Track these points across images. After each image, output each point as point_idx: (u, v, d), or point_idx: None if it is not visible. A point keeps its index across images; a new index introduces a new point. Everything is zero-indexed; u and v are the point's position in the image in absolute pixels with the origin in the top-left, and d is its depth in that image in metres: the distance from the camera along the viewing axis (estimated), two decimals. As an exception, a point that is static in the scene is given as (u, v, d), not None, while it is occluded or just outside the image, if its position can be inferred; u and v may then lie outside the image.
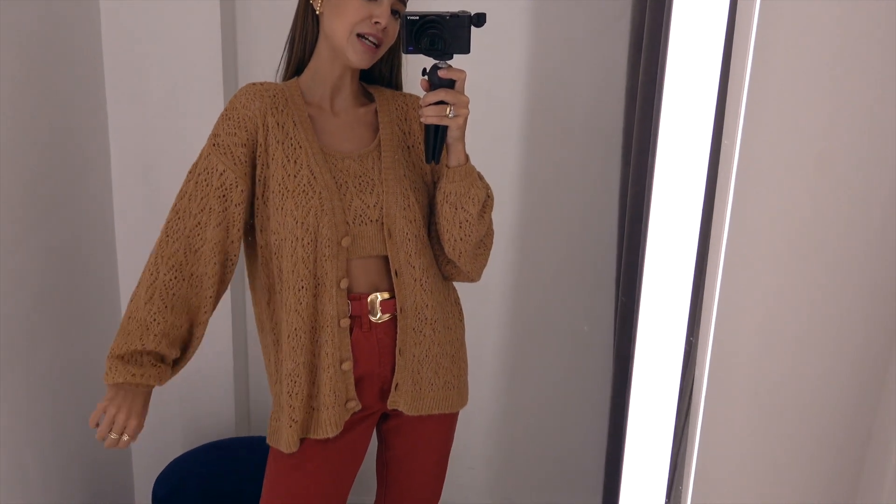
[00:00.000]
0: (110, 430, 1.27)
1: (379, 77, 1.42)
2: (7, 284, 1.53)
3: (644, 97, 1.76)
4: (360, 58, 1.27)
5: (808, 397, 0.80)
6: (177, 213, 1.29)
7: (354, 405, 1.33)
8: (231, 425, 2.10)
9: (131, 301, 1.29)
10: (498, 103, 2.02)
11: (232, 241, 1.30)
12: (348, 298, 1.31)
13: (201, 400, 2.08)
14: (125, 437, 1.27)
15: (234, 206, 1.28)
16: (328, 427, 1.31)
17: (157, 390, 2.05)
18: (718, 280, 0.71)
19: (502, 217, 2.04)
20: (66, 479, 1.78)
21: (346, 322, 1.31)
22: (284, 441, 1.32)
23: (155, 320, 1.26)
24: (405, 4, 1.31)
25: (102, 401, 1.28)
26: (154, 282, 1.27)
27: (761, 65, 0.72)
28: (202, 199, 1.27)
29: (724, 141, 0.72)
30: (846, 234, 0.78)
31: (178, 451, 2.05)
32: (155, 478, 1.89)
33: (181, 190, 1.30)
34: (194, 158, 1.30)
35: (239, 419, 2.12)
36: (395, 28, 1.29)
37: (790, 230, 0.77)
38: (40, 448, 1.67)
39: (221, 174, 1.26)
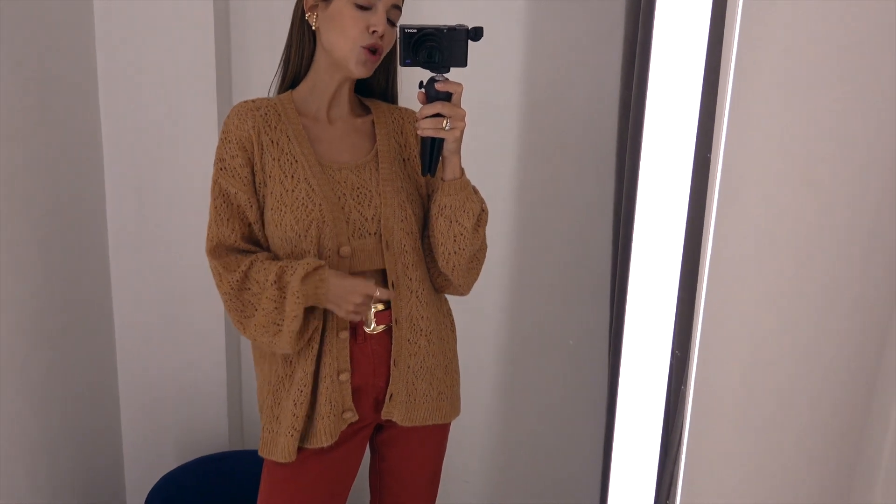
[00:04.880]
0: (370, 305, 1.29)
1: (375, 87, 1.42)
2: (2, 296, 1.53)
3: (637, 110, 1.77)
4: (363, 69, 1.29)
5: (796, 409, 0.80)
6: (214, 238, 1.32)
7: (351, 416, 1.34)
8: (224, 439, 2.09)
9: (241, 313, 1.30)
10: (493, 115, 2.02)
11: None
12: None
13: (194, 413, 2.07)
14: (377, 295, 1.28)
15: (254, 223, 1.32)
16: (323, 436, 1.31)
17: (150, 404, 2.05)
18: (703, 292, 0.71)
19: (497, 229, 2.04)
20: (57, 492, 1.77)
21: (344, 334, 1.32)
22: (280, 450, 1.32)
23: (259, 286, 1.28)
24: (400, 10, 1.31)
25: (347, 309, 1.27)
26: (240, 284, 1.29)
27: (744, 74, 0.72)
28: (228, 219, 1.31)
29: (709, 151, 0.72)
30: (832, 240, 0.78)
31: (170, 465, 2.03)
32: (147, 491, 1.88)
33: (209, 218, 1.33)
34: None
35: (232, 433, 2.11)
36: (391, 35, 1.29)
37: (775, 239, 0.77)
38: (31, 460, 1.67)
39: (235, 195, 1.30)
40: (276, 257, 1.32)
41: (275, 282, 1.24)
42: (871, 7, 0.72)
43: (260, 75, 1.96)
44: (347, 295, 1.25)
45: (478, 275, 1.41)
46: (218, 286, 1.31)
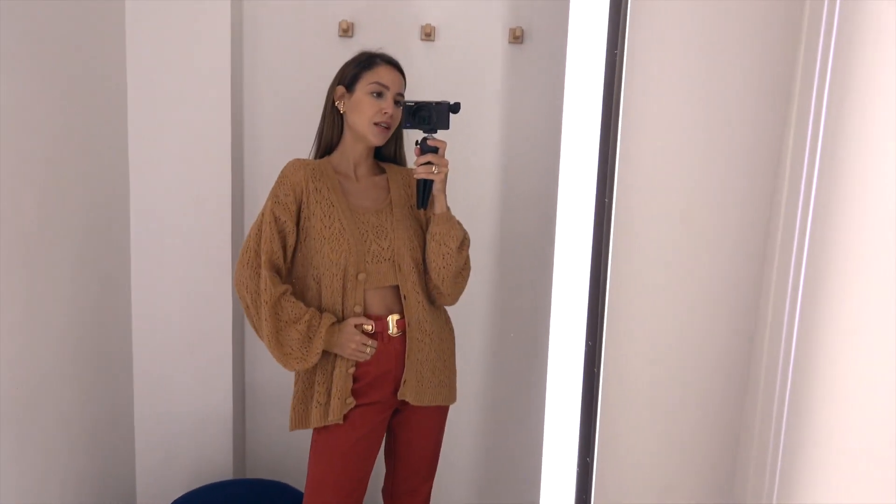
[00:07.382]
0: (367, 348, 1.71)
1: (388, 154, 1.91)
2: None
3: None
4: (377, 139, 1.77)
5: (686, 392, 1.02)
6: (249, 252, 1.72)
7: (351, 402, 1.73)
8: (229, 468, 2.28)
9: (272, 334, 1.69)
10: (475, 171, 2.30)
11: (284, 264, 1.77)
12: (368, 318, 1.74)
13: (201, 444, 2.26)
14: (367, 328, 1.73)
15: (288, 248, 1.74)
16: (336, 414, 1.70)
17: (160, 436, 2.24)
18: (608, 294, 0.94)
19: (481, 247, 2.29)
20: (77, 511, 1.94)
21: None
22: (314, 419, 1.73)
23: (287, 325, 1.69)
24: (403, 96, 1.81)
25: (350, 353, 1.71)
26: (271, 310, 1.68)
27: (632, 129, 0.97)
28: (268, 240, 1.70)
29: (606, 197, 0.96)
30: (712, 251, 1.01)
31: (179, 492, 2.21)
32: (157, 514, 2.05)
33: (247, 242, 1.72)
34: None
35: (236, 462, 2.30)
36: (398, 114, 1.78)
37: (666, 245, 1.00)
38: (61, 479, 1.85)
39: (284, 222, 1.72)
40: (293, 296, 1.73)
41: (307, 321, 1.68)
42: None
43: (267, 146, 2.24)
44: (351, 336, 1.70)
45: (462, 288, 1.84)
46: (262, 293, 1.68)
